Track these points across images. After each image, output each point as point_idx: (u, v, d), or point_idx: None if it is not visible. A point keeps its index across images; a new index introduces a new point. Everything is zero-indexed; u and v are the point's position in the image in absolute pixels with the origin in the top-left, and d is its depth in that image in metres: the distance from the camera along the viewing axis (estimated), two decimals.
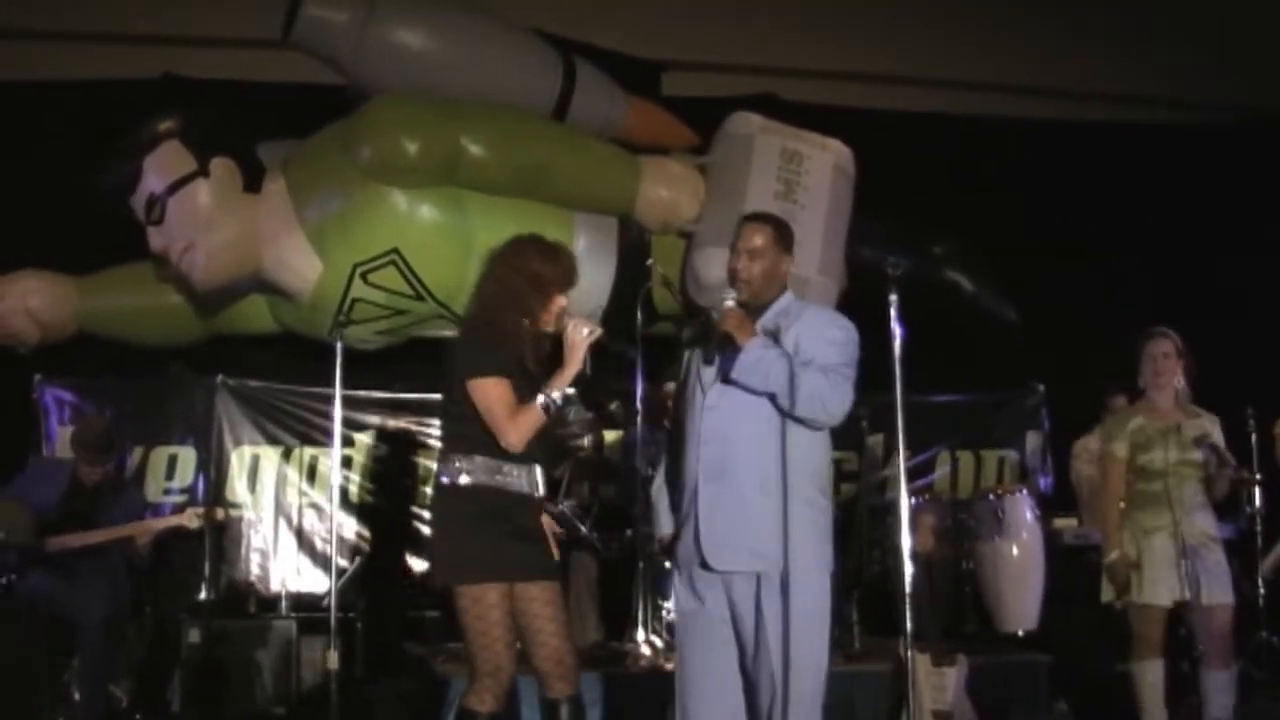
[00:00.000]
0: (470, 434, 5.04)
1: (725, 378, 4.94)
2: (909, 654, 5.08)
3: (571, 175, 8.46)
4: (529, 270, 5.14)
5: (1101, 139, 10.97)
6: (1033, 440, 10.51)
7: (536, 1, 9.16)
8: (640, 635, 7.52)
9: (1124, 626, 6.75)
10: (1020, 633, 8.36)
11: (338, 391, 7.19)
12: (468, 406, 5.02)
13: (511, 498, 5.04)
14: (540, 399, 4.99)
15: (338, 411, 7.28)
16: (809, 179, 8.78)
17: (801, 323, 5.05)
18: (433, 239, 8.23)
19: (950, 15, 9.83)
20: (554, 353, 5.14)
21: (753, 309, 5.08)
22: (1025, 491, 8.78)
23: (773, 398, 4.91)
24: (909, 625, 5.05)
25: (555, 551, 5.21)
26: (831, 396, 4.90)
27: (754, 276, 5.06)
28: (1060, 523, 9.08)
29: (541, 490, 5.15)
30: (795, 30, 10.03)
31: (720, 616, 5.00)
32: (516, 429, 4.98)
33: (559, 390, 5.02)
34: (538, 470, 5.14)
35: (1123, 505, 6.74)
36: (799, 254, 8.57)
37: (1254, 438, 8.29)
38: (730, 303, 4.96)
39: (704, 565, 4.96)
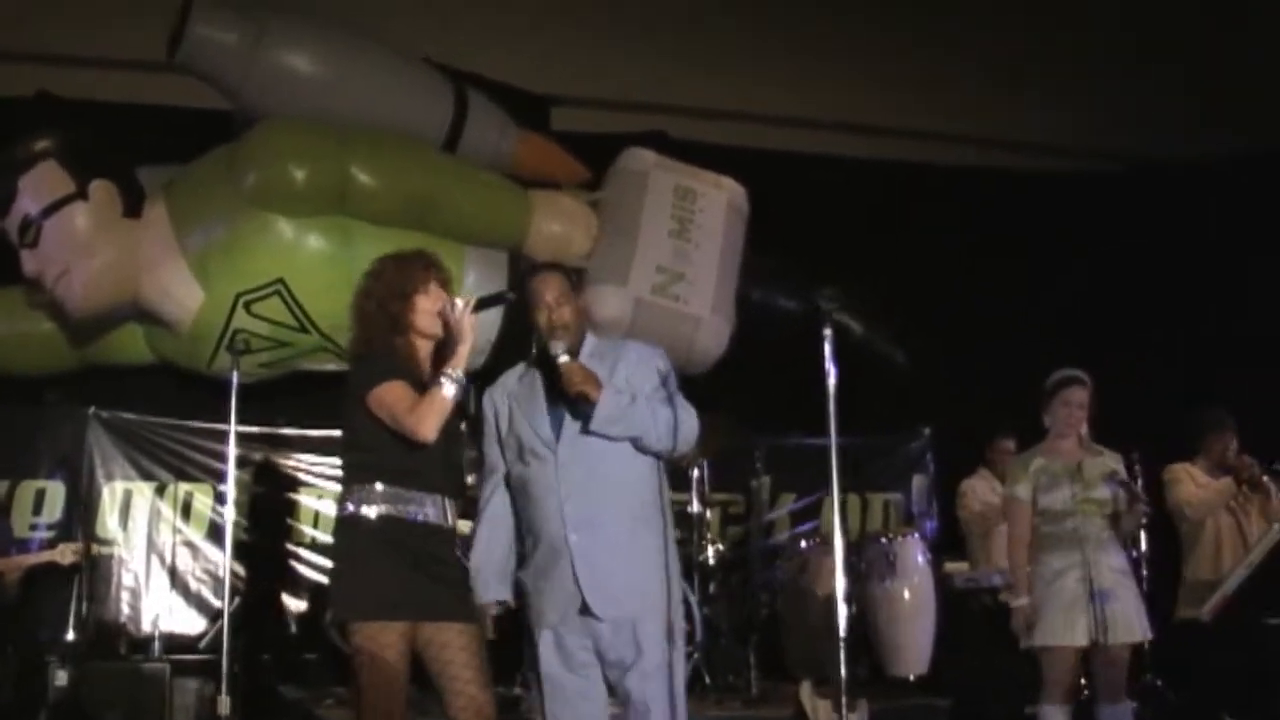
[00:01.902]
0: (372, 463, 4.80)
1: (584, 429, 4.81)
2: (842, 698, 4.89)
3: (462, 207, 8.32)
4: (383, 283, 4.95)
5: (1005, 185, 11.09)
6: (918, 483, 10.51)
7: (424, 31, 8.95)
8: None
9: (1030, 670, 6.70)
10: (911, 677, 8.29)
11: (233, 427, 7.04)
12: (367, 433, 4.80)
13: (419, 529, 4.79)
14: (441, 381, 4.74)
15: (232, 448, 7.19)
16: (703, 217, 8.75)
17: (625, 361, 4.98)
18: (319, 269, 8.03)
19: (844, 57, 9.79)
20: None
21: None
22: (917, 535, 8.74)
23: (633, 440, 4.86)
24: (843, 669, 4.88)
25: None
26: (685, 424, 4.89)
27: (569, 321, 4.91)
28: (951, 566, 9.05)
29: (452, 521, 4.91)
30: (686, 67, 9.94)
31: (589, 671, 4.87)
32: (423, 418, 4.71)
33: (459, 369, 4.76)
34: (447, 501, 4.90)
35: None
36: (692, 293, 8.72)
37: (1139, 481, 8.32)
38: (564, 358, 4.80)
39: (585, 613, 4.79)
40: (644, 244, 8.56)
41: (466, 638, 4.80)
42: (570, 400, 4.80)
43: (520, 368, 5.10)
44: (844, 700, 4.82)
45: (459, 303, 4.88)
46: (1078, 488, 6.58)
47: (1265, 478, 7.78)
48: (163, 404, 9.10)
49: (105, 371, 8.74)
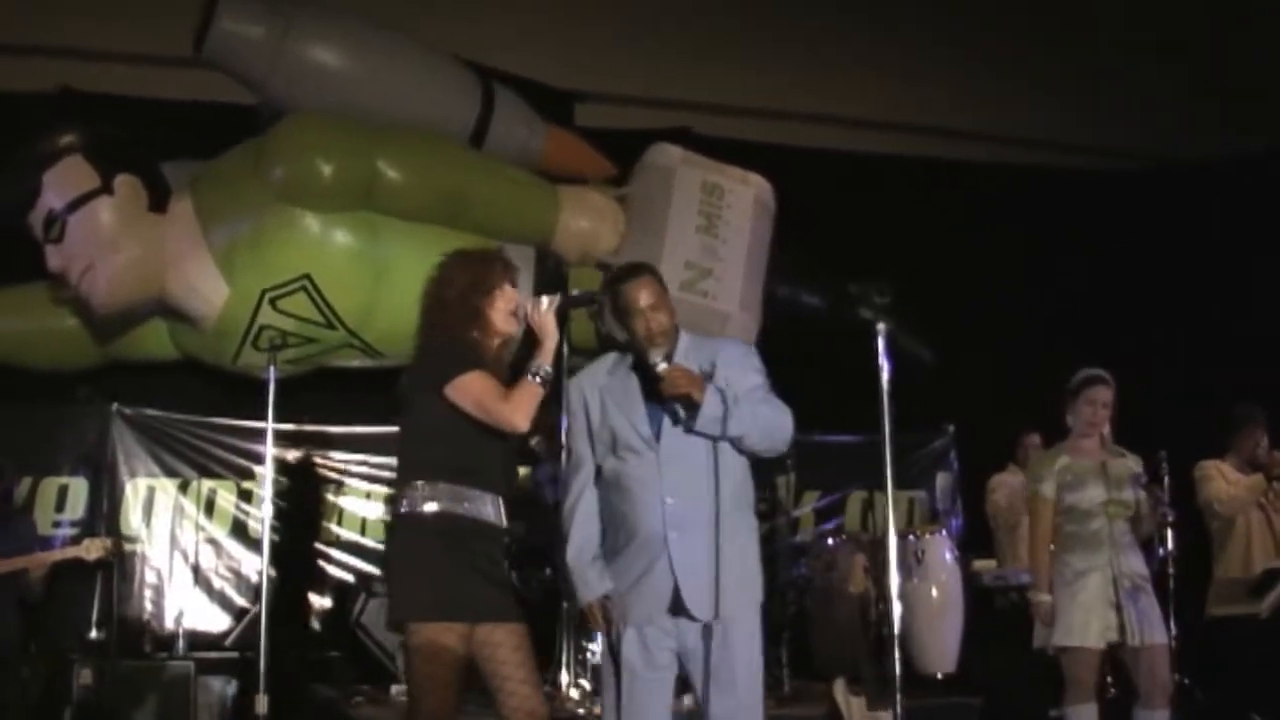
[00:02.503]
0: (433, 459, 4.76)
1: (687, 429, 4.76)
2: (897, 697, 4.81)
3: (489, 203, 8.23)
4: (468, 274, 4.93)
5: (1019, 182, 11.07)
6: (942, 481, 10.47)
7: (448, 27, 8.90)
8: (564, 678, 7.28)
9: (1054, 670, 6.66)
10: (939, 675, 8.25)
11: (270, 425, 6.96)
12: (434, 427, 4.76)
13: (478, 528, 4.75)
14: (531, 374, 4.73)
15: (269, 446, 7.14)
16: (730, 213, 8.67)
17: (722, 359, 4.92)
18: (345, 265, 7.95)
19: (867, 54, 9.74)
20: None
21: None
22: (944, 532, 8.70)
23: (735, 440, 4.80)
24: (897, 666, 4.79)
25: None
26: (784, 423, 4.88)
27: (666, 328, 4.87)
28: (979, 564, 9.01)
29: (505, 522, 4.86)
30: (709, 63, 9.89)
31: (666, 673, 4.84)
32: (516, 408, 4.70)
33: (546, 365, 4.76)
34: (501, 501, 4.85)
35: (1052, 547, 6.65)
36: (720, 289, 8.65)
37: (1167, 480, 8.27)
38: (663, 365, 4.73)
39: (676, 613, 4.75)
40: (672, 240, 8.48)
41: (517, 638, 4.78)
42: (672, 403, 4.75)
43: (610, 359, 5.03)
44: (898, 699, 4.73)
45: (544, 301, 4.85)
46: (1104, 488, 6.54)
47: None
48: (186, 400, 9.08)
49: (129, 368, 8.67)
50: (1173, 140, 10.83)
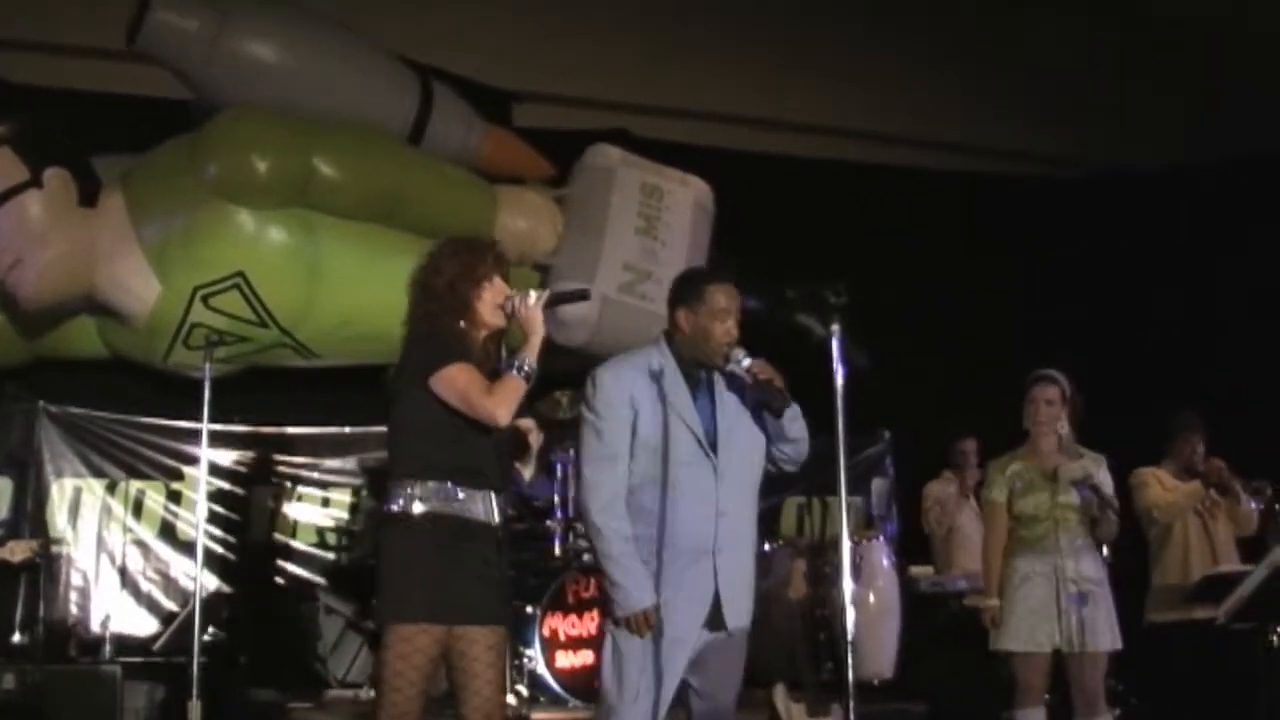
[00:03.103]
0: (421, 455, 4.63)
1: (777, 414, 4.79)
2: (849, 701, 4.75)
3: (426, 202, 8.14)
4: (458, 262, 4.77)
5: (959, 187, 11.05)
6: (879, 487, 10.45)
7: (386, 26, 8.81)
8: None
9: (999, 674, 6.65)
10: (876, 681, 8.23)
11: (205, 425, 6.89)
12: (420, 420, 4.63)
13: (468, 527, 4.62)
14: (515, 368, 4.62)
15: (204, 449, 7.07)
16: (670, 215, 8.63)
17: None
18: (280, 263, 7.84)
19: (806, 59, 9.75)
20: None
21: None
22: (881, 538, 8.68)
23: (786, 444, 4.90)
24: (850, 672, 4.73)
25: None
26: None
27: (736, 336, 4.86)
28: (916, 570, 9.00)
29: (498, 519, 4.72)
30: (647, 65, 9.85)
31: (673, 682, 4.74)
32: (499, 401, 4.55)
33: (531, 361, 4.63)
34: (495, 497, 4.72)
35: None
36: (660, 292, 8.50)
37: None
38: (747, 361, 4.72)
39: (714, 627, 4.72)
40: (611, 241, 8.43)
41: (496, 638, 4.68)
42: (763, 394, 4.73)
43: (642, 356, 4.89)
44: (851, 705, 4.66)
45: (531, 296, 4.74)
46: (1052, 493, 6.54)
47: (1235, 482, 7.77)
48: (115, 399, 8.87)
49: (56, 365, 8.52)
50: (1112, 148, 10.90)
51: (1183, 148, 10.49)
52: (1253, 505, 7.76)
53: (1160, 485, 7.89)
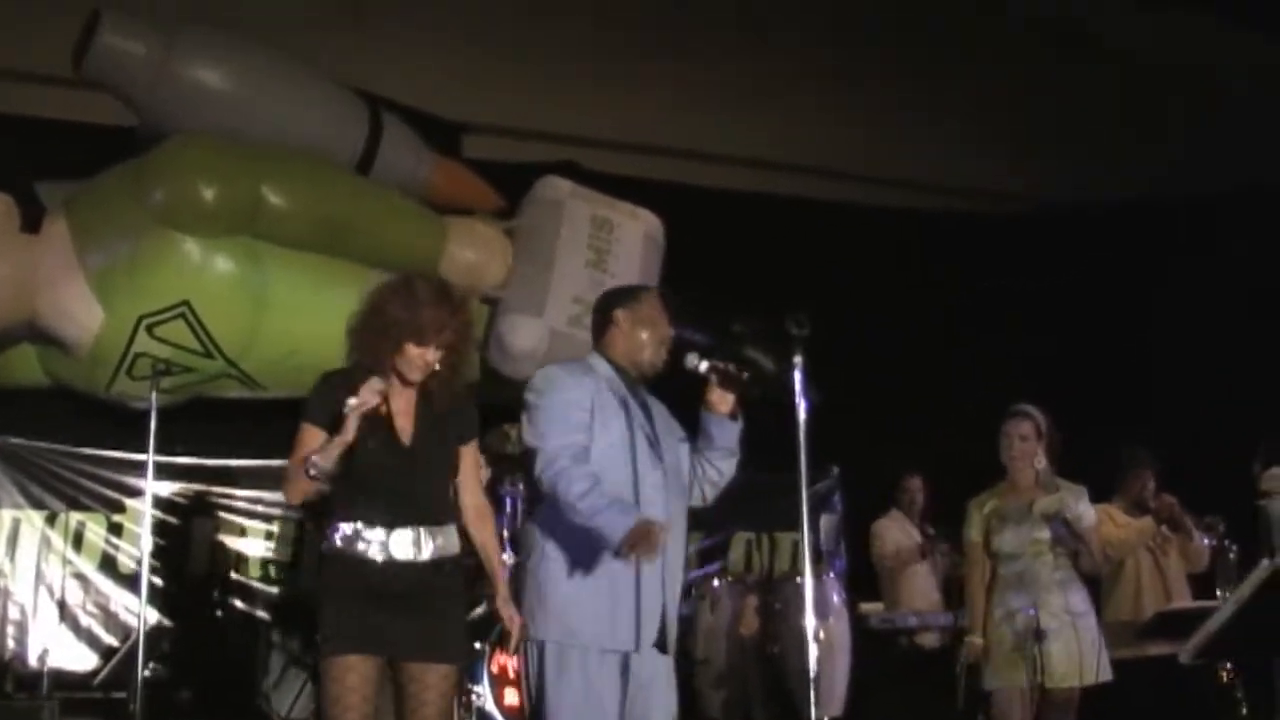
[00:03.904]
0: (346, 494, 4.69)
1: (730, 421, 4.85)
2: None
3: (375, 232, 8.06)
4: (383, 313, 4.74)
5: (907, 224, 11.09)
6: (826, 523, 10.41)
7: (334, 56, 8.70)
8: None
9: (949, 710, 6.65)
10: (827, 718, 8.16)
11: (151, 457, 6.88)
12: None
13: (392, 565, 4.63)
14: (308, 464, 4.56)
15: (150, 482, 7.02)
16: (619, 248, 8.59)
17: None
18: (226, 292, 7.73)
19: (751, 93, 9.73)
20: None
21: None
22: (833, 574, 8.63)
23: (726, 460, 4.99)
24: (813, 709, 4.68)
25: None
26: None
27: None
28: (866, 606, 8.95)
29: (430, 553, 4.69)
30: (598, 99, 9.81)
31: (614, 702, 4.67)
32: (285, 484, 4.72)
33: (322, 458, 4.52)
34: (423, 533, 4.69)
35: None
36: None
37: None
38: (704, 364, 4.75)
39: (656, 645, 4.69)
40: (560, 274, 8.38)
41: (437, 677, 4.66)
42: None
43: (578, 367, 4.89)
44: None
45: (353, 400, 4.56)
46: (1026, 529, 6.55)
47: (1186, 518, 7.78)
48: (55, 429, 8.72)
49: None
50: (1050, 183, 10.97)
51: (1127, 182, 10.56)
52: (1205, 542, 7.78)
53: (1112, 522, 7.89)
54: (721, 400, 4.76)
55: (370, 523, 4.63)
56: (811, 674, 4.72)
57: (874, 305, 10.56)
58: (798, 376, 4.83)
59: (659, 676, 4.76)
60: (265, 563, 9.09)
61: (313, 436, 4.63)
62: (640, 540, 4.43)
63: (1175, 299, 10.47)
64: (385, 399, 4.65)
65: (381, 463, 4.65)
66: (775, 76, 9.50)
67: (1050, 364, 10.41)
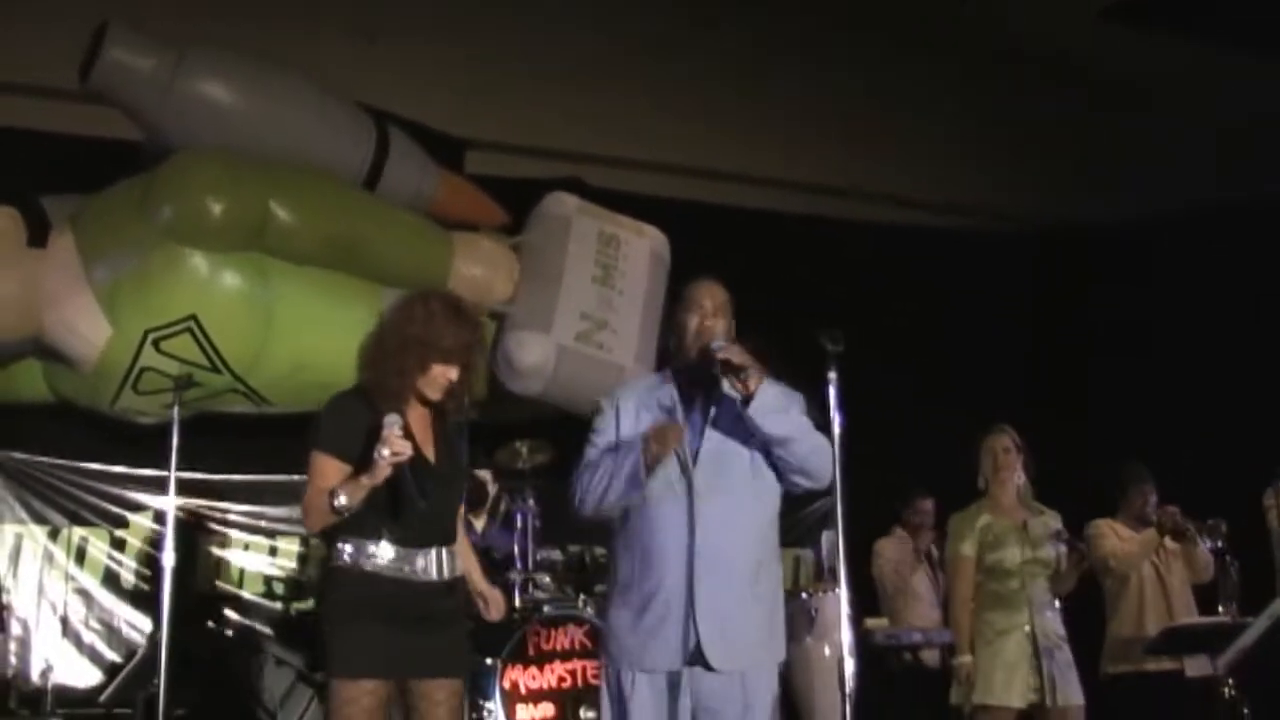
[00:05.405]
0: (358, 513, 4.59)
1: (742, 407, 4.61)
2: None
3: (383, 248, 8.07)
4: (404, 333, 4.74)
5: (900, 241, 11.09)
6: (828, 540, 10.37)
7: (340, 72, 8.71)
8: None
9: None
10: None
11: (173, 474, 6.92)
12: None
13: (409, 584, 4.65)
14: (333, 497, 4.52)
15: (172, 496, 7.00)
16: (626, 264, 8.61)
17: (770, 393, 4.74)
18: (233, 307, 7.71)
19: (762, 111, 9.76)
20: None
21: None
22: (838, 590, 8.60)
23: (775, 447, 4.67)
24: None
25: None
26: (828, 449, 4.73)
27: (721, 333, 4.75)
28: (871, 623, 8.94)
29: (443, 574, 4.71)
30: (603, 116, 9.83)
31: None
32: (306, 514, 4.67)
33: (349, 498, 4.49)
34: (435, 553, 4.71)
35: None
36: (616, 342, 8.53)
37: None
38: (719, 342, 4.62)
39: (695, 663, 4.56)
40: (567, 290, 8.38)
41: (446, 692, 4.69)
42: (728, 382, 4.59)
43: (651, 379, 4.90)
44: None
45: (388, 451, 4.50)
46: (1026, 547, 6.56)
47: (1189, 526, 7.79)
48: (58, 444, 8.70)
49: None
50: (1042, 203, 11.02)
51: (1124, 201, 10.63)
52: (1207, 545, 7.78)
53: (1116, 536, 7.91)
54: (732, 359, 4.66)
55: (403, 543, 4.64)
56: (848, 689, 4.66)
57: (885, 323, 10.59)
58: (832, 392, 4.75)
59: (731, 700, 4.62)
60: (269, 578, 9.06)
61: (330, 467, 4.62)
62: (656, 437, 4.48)
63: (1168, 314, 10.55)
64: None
65: (418, 487, 4.62)
66: (781, 94, 9.54)
67: (1044, 381, 10.48)
